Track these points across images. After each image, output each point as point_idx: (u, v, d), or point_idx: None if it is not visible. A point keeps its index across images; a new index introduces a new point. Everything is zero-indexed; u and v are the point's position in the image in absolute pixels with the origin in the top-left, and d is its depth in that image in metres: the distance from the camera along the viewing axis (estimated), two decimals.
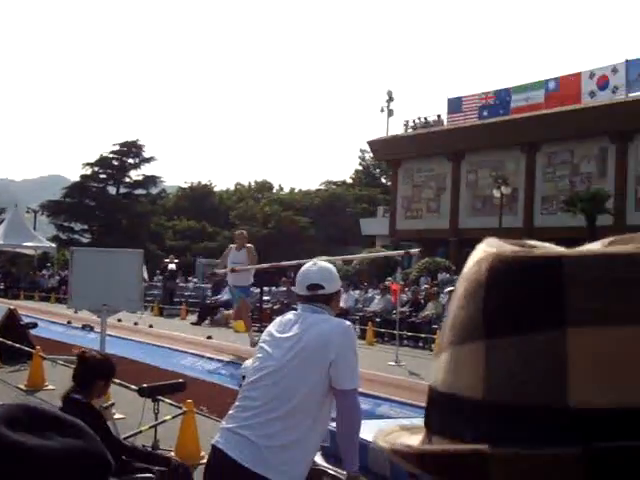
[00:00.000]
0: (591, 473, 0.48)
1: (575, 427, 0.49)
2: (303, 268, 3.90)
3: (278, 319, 3.85)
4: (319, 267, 3.86)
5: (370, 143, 49.02)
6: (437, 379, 0.58)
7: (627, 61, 35.94)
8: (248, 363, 4.50)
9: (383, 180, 67.26)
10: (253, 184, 73.64)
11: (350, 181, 70.93)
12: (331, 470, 4.82)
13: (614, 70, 36.41)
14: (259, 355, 3.71)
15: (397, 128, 59.34)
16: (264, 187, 72.60)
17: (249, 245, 14.42)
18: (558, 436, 0.49)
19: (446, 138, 41.41)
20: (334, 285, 3.82)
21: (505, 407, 0.52)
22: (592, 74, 37.36)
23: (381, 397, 10.07)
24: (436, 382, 0.58)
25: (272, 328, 3.77)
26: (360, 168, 72.59)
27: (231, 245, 14.83)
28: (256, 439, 3.45)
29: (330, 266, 3.95)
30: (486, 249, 0.57)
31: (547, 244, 0.56)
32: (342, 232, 55.14)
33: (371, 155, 57.14)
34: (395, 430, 0.59)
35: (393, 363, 14.59)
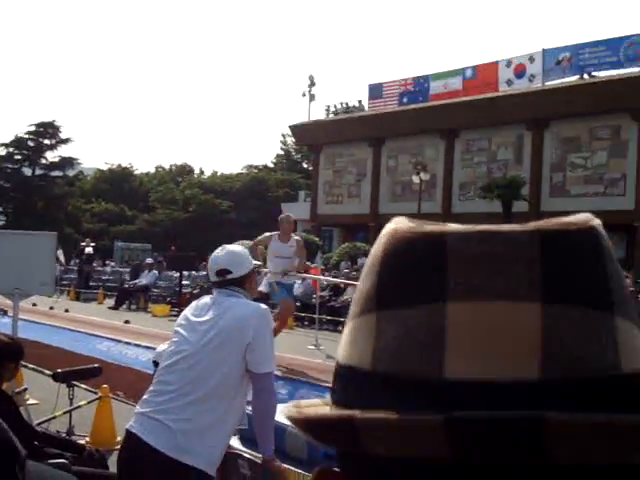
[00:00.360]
0: (453, 441, 0.49)
1: (448, 398, 0.50)
2: (213, 254, 3.89)
3: (194, 303, 3.83)
4: (226, 252, 3.85)
5: (292, 127, 48.96)
6: (339, 352, 0.59)
7: (544, 50, 36.68)
8: (160, 349, 4.47)
9: (304, 165, 67.30)
10: (174, 167, 72.86)
11: (271, 165, 70.78)
12: (247, 454, 4.83)
13: (531, 59, 37.12)
14: (175, 339, 3.69)
15: (319, 113, 59.44)
16: (184, 170, 71.91)
17: (298, 238, 11.63)
18: (432, 405, 0.50)
19: (367, 124, 41.63)
20: (243, 268, 3.81)
21: (389, 377, 0.53)
22: (509, 62, 38.02)
23: (300, 381, 10.13)
24: (338, 355, 0.59)
25: (188, 312, 3.76)
26: (282, 152, 72.47)
27: (270, 233, 11.58)
28: (171, 423, 3.43)
29: (239, 249, 3.93)
30: (388, 226, 0.59)
31: (456, 225, 0.56)
32: (263, 216, 55.05)
33: (293, 139, 57.11)
34: (315, 403, 0.60)
35: (312, 347, 14.67)
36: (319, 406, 0.59)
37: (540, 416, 0.48)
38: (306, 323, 21.07)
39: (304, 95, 48.88)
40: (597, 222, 0.56)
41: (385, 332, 0.54)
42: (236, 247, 3.95)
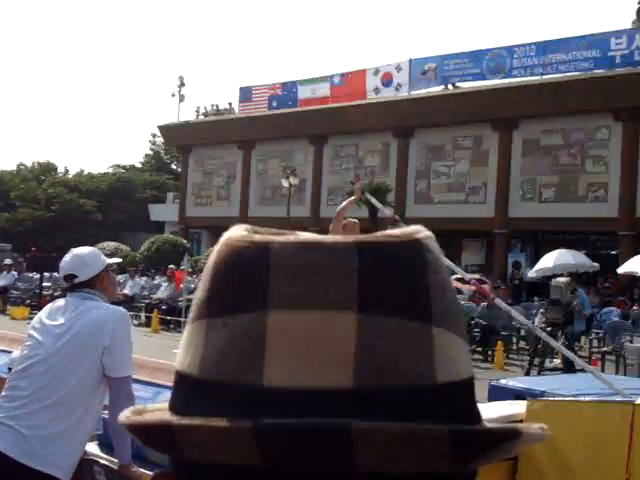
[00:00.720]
0: (262, 448, 0.50)
1: (266, 405, 0.51)
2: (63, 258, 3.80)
3: (49, 306, 3.75)
4: (71, 256, 3.76)
5: (161, 128, 48.34)
6: (176, 357, 0.60)
7: (410, 60, 37.63)
8: (15, 354, 4.34)
9: (174, 166, 66.51)
10: (37, 165, 70.57)
11: (139, 166, 69.60)
12: (103, 459, 4.74)
13: (398, 68, 38.00)
14: (28, 343, 3.60)
15: (189, 114, 58.83)
16: (48, 168, 69.76)
17: None
18: (250, 413, 0.51)
19: (237, 126, 41.60)
20: (90, 271, 3.70)
21: (213, 385, 0.54)
22: (377, 71, 38.82)
23: (163, 385, 10.01)
24: (175, 361, 0.60)
25: (43, 315, 3.67)
26: (150, 153, 71.40)
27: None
28: (23, 429, 3.35)
29: (85, 252, 3.82)
30: (224, 234, 0.60)
31: (290, 234, 0.57)
32: (130, 217, 54.14)
33: (162, 140, 56.34)
34: (160, 408, 0.60)
35: (178, 351, 14.54)
36: (163, 411, 0.59)
37: (346, 424, 0.48)
38: (172, 326, 20.86)
39: (174, 95, 48.41)
40: (425, 234, 0.57)
41: (212, 339, 0.55)
42: (83, 250, 3.86)
